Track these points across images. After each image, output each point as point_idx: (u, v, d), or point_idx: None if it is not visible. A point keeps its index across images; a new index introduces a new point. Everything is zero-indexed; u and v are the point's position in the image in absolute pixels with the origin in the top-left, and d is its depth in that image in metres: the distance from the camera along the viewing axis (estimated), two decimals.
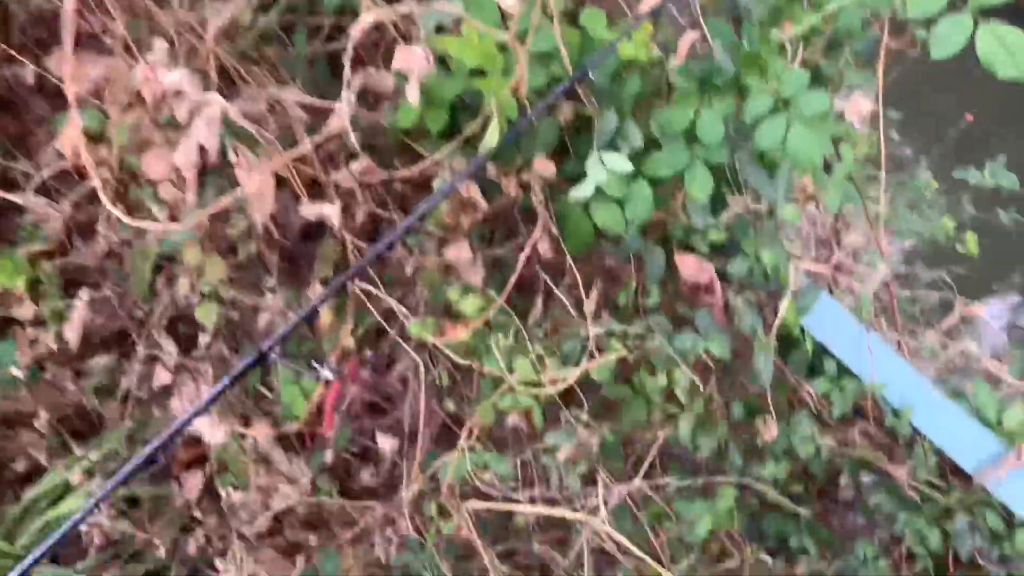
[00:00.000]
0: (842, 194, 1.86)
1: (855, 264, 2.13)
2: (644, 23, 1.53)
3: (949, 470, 1.87)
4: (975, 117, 3.64)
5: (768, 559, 1.93)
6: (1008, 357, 2.10)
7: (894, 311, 2.07)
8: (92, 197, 2.05)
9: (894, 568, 1.97)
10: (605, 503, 1.84)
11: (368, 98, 1.79)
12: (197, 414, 1.10)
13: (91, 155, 1.64)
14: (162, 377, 2.07)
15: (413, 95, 1.55)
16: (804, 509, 1.99)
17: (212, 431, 2.00)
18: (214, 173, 1.60)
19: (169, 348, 2.03)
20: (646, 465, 1.93)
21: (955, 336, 2.38)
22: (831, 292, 1.90)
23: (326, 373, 1.38)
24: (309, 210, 1.64)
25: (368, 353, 1.80)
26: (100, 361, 2.15)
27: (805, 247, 2.06)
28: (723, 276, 1.81)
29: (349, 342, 1.91)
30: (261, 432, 2.04)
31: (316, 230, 2.26)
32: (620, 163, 1.48)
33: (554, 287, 1.83)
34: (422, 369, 1.97)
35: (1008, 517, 1.82)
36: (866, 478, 2.13)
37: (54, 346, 2.04)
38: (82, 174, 1.82)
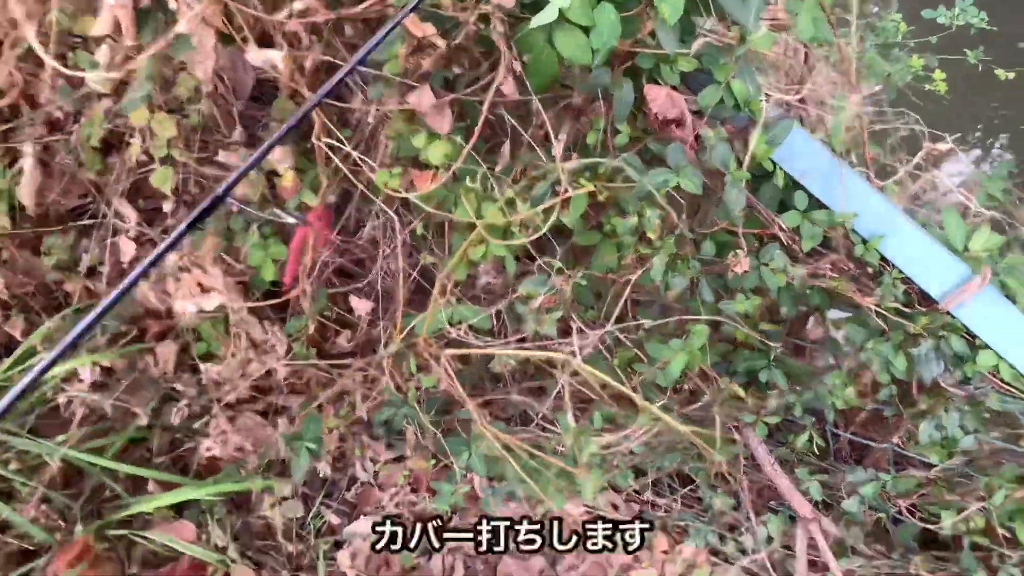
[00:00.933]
0: (814, 22, 1.80)
1: (825, 97, 2.09)
2: None
3: (917, 298, 1.90)
4: None
5: (741, 392, 1.97)
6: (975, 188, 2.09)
7: (864, 144, 2.05)
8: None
9: (860, 396, 2.03)
10: (580, 348, 1.86)
11: None
12: (155, 261, 1.06)
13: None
14: (126, 249, 2.03)
15: None
16: (774, 344, 2.02)
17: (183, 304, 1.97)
18: (151, 20, 1.50)
19: (129, 215, 1.97)
20: (618, 309, 1.94)
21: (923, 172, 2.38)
22: (802, 124, 1.87)
23: (289, 219, 1.33)
24: (255, 56, 1.55)
25: (331, 199, 1.75)
26: (59, 239, 2.10)
27: (776, 80, 2.01)
28: (693, 111, 1.77)
29: (312, 200, 1.86)
30: (233, 300, 2.02)
31: (268, 92, 2.17)
32: None
33: (521, 130, 1.78)
34: (396, 224, 1.93)
35: (971, 340, 1.86)
36: (834, 313, 2.16)
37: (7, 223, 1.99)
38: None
